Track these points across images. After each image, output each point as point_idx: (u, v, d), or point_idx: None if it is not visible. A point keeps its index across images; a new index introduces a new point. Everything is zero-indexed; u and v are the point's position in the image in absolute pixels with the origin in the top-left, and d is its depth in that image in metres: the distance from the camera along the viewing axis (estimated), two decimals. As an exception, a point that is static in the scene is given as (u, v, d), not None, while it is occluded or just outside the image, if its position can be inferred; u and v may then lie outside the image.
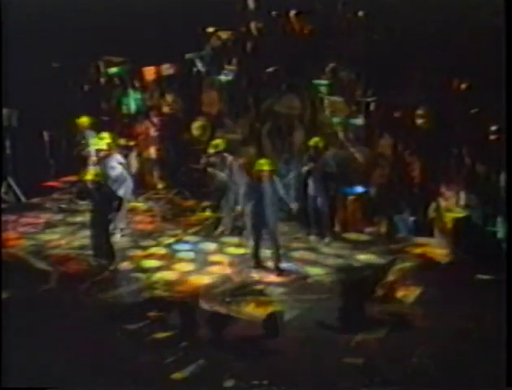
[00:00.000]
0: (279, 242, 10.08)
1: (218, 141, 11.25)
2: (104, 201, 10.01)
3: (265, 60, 12.55)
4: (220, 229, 11.28)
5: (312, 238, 11.00)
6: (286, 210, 10.69)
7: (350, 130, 11.61)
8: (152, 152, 13.43)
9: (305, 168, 10.91)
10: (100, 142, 11.23)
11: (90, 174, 10.20)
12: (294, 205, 10.30)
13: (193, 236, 11.27)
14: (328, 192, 10.88)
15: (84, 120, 12.62)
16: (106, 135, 11.64)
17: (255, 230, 9.88)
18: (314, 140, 10.92)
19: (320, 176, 10.79)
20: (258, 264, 9.97)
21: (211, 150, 11.15)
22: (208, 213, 11.99)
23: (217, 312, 8.82)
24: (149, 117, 13.50)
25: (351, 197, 11.28)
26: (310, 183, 10.88)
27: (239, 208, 10.30)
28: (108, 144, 11.22)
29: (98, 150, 11.20)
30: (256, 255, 9.99)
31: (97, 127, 12.66)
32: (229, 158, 11.12)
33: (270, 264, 9.98)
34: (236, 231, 11.02)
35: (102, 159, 11.10)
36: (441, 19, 11.24)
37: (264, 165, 9.84)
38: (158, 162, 13.47)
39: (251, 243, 10.01)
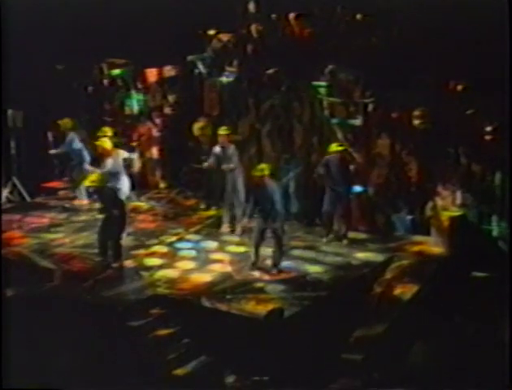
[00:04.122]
0: (284, 242, 10.04)
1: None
2: (108, 203, 9.96)
3: (265, 62, 12.58)
4: (224, 228, 11.31)
5: (325, 239, 11.03)
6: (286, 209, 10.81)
7: (349, 130, 11.69)
8: (154, 152, 13.58)
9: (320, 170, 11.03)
10: (104, 142, 11.37)
11: (88, 180, 10.12)
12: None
13: (195, 234, 11.35)
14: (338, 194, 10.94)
15: (66, 122, 12.76)
16: (107, 129, 11.91)
17: (258, 233, 9.89)
18: (333, 147, 10.95)
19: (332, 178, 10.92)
20: (255, 266, 9.96)
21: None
22: (206, 210, 12.12)
23: (218, 309, 8.90)
24: (152, 118, 13.64)
25: (350, 197, 11.34)
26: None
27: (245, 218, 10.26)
28: (111, 142, 11.38)
29: (103, 150, 11.29)
30: (255, 256, 9.98)
31: (80, 129, 12.89)
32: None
33: (268, 263, 9.99)
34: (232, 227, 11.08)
35: (103, 159, 11.15)
36: (438, 22, 11.33)
37: (265, 170, 9.92)
38: (160, 162, 13.62)
39: (253, 245, 10.02)
